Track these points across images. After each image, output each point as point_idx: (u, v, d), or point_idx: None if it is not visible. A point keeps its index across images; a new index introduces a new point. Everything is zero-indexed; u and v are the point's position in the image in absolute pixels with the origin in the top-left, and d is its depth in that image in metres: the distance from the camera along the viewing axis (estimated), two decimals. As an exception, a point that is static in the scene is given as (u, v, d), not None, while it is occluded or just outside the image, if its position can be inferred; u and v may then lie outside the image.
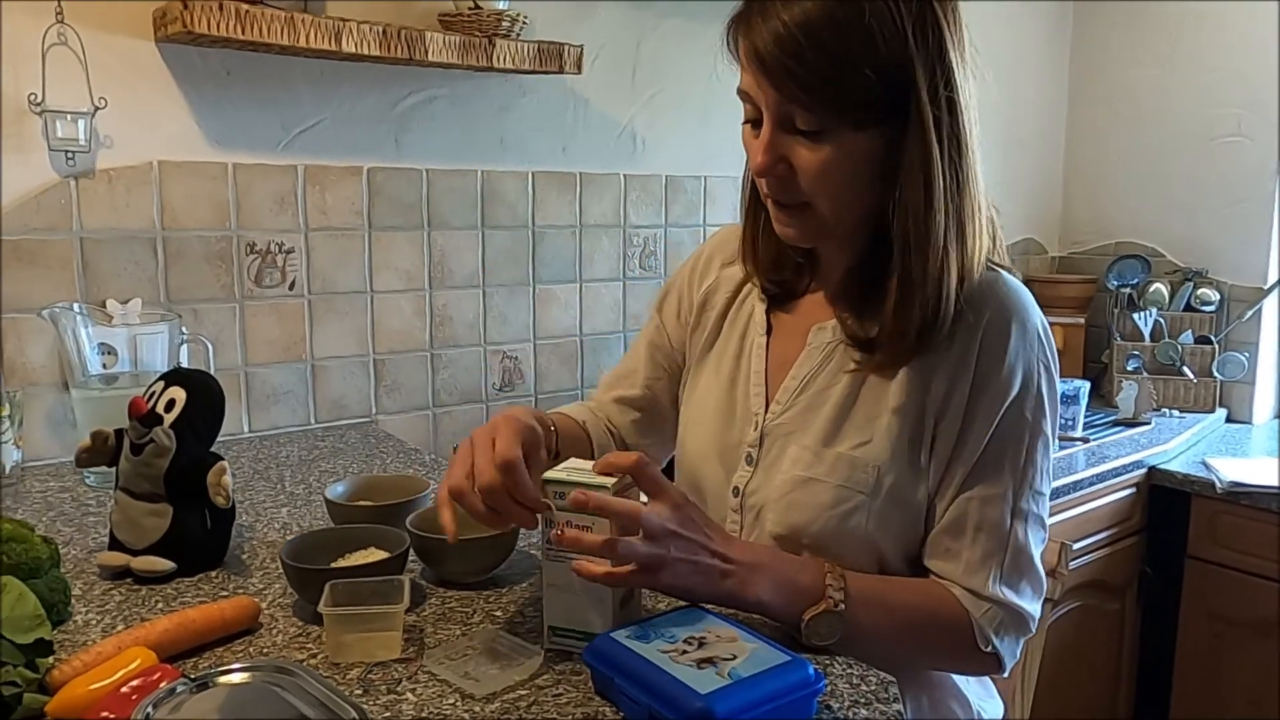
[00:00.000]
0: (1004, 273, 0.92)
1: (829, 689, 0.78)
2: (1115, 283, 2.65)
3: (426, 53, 1.52)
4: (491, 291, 1.84)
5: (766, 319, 1.02)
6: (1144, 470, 2.14)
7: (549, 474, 0.82)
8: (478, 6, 1.60)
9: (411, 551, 0.96)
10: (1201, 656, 2.15)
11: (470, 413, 1.84)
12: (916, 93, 0.80)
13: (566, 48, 1.67)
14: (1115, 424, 2.36)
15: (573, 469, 0.83)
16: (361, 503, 1.10)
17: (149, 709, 0.63)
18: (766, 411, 0.98)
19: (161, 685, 0.68)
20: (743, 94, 0.87)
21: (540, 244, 1.89)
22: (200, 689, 0.67)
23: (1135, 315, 2.58)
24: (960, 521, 0.89)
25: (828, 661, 0.82)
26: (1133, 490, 2.13)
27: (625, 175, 1.98)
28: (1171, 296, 2.58)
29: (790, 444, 0.94)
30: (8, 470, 1.27)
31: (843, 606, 0.82)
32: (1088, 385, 2.26)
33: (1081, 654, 2.10)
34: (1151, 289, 2.59)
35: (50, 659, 0.76)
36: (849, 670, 0.81)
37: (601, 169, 1.95)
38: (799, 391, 0.96)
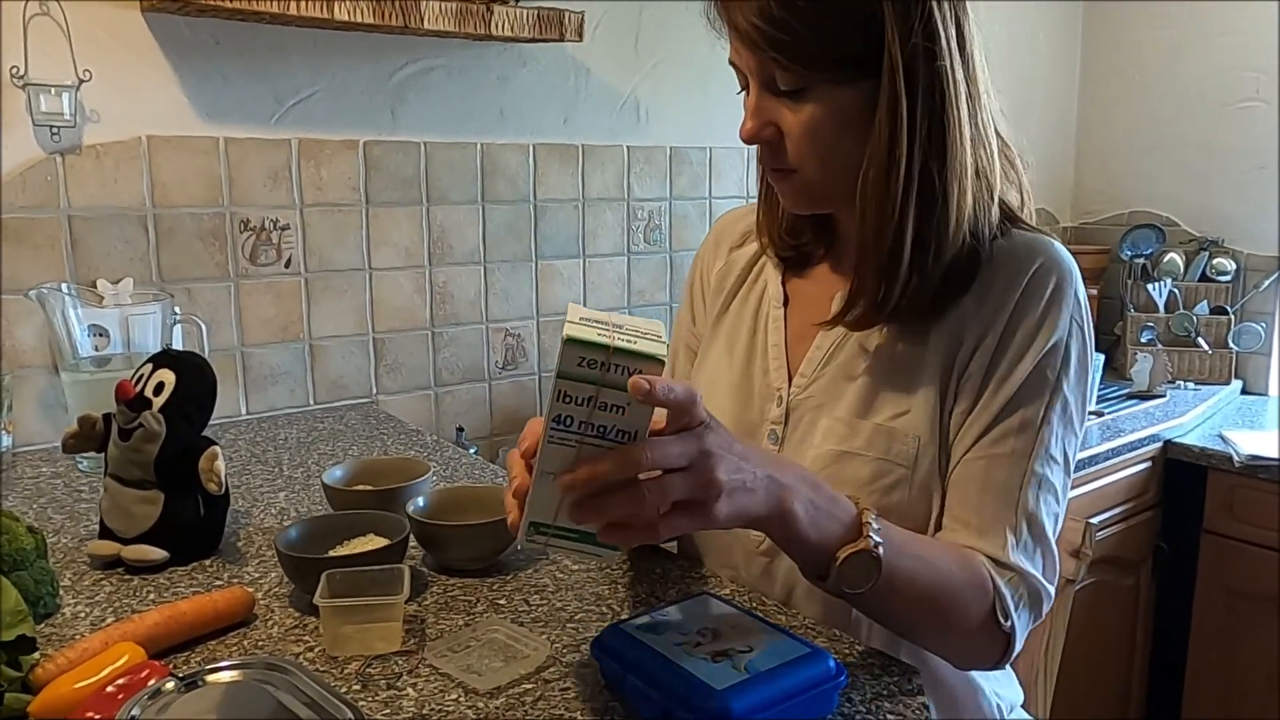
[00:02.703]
0: (1043, 234, 0.89)
1: (850, 681, 0.74)
2: (1129, 253, 2.60)
3: (422, 20, 1.46)
4: (493, 267, 1.80)
5: (783, 290, 0.98)
6: (1159, 444, 2.10)
7: (572, 331, 0.61)
8: (474, -28, 1.54)
9: (412, 538, 0.93)
10: (1217, 632, 2.12)
11: (472, 392, 1.80)
12: (888, 44, 0.77)
13: (567, 14, 1.62)
14: (1129, 397, 2.32)
15: (592, 321, 0.64)
16: (361, 487, 1.06)
17: (134, 710, 0.60)
18: (790, 385, 0.93)
19: (149, 684, 0.65)
20: (732, 63, 0.84)
21: (542, 218, 1.84)
22: (189, 688, 0.63)
23: (1149, 286, 2.53)
24: (969, 483, 0.84)
25: (847, 651, 0.79)
26: (1148, 464, 2.10)
27: (629, 147, 1.93)
28: (1186, 266, 2.53)
29: (821, 417, 0.90)
30: (-2, 456, 1.24)
31: (881, 550, 0.73)
32: (1102, 358, 2.22)
33: (1096, 629, 2.07)
34: (1166, 259, 2.54)
35: (34, 656, 0.73)
36: (869, 661, 0.78)
37: (604, 140, 1.89)
38: (825, 361, 0.91)
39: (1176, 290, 2.52)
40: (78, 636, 0.80)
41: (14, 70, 1.31)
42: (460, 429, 1.74)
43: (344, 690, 0.72)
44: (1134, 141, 2.72)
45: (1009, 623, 0.81)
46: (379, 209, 1.65)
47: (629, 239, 1.97)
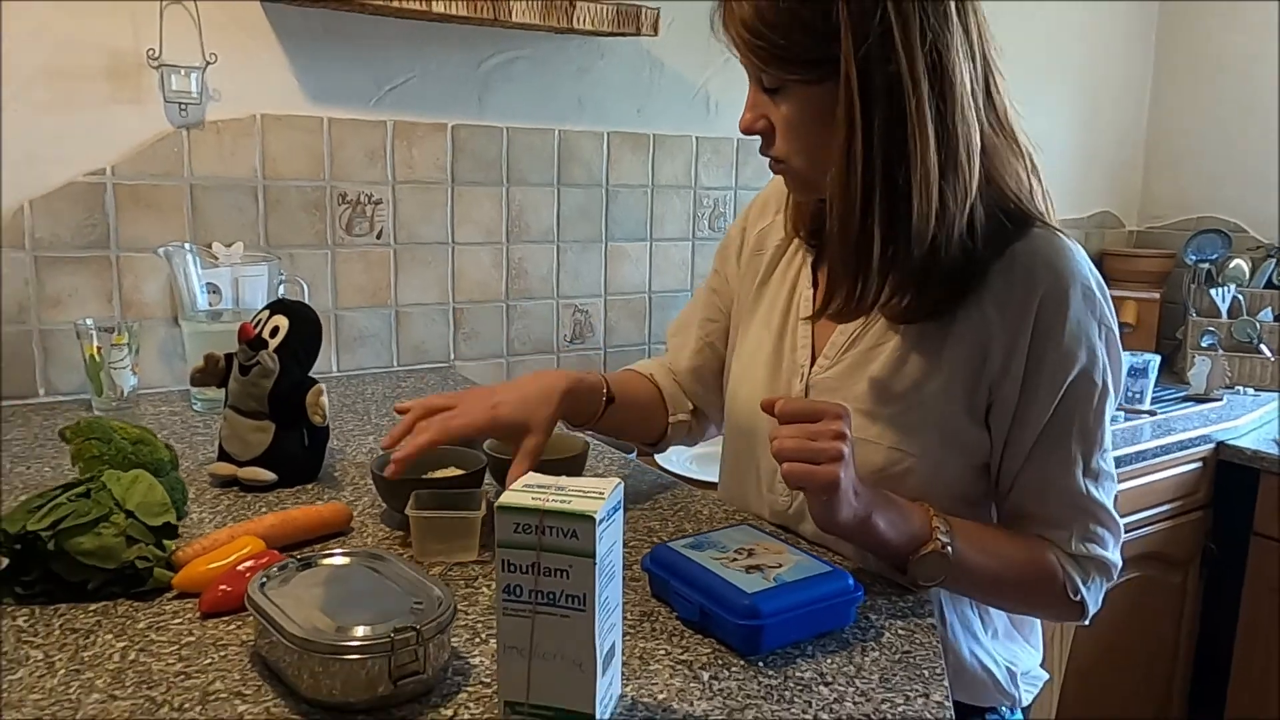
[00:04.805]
0: (1058, 234, 0.93)
1: (869, 603, 0.84)
2: (1194, 257, 2.61)
3: (510, 13, 1.59)
4: (565, 247, 1.92)
5: (814, 274, 1.05)
6: (1212, 445, 2.12)
7: (505, 499, 0.62)
8: (560, -31, 1.66)
9: (487, 473, 1.05)
10: (1263, 634, 2.13)
11: (542, 362, 1.92)
12: (844, 46, 0.82)
13: (644, 10, 1.72)
14: (1185, 399, 2.34)
15: (536, 487, 0.64)
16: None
17: (263, 579, 0.73)
18: (813, 365, 1.01)
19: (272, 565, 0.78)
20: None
21: (613, 202, 1.96)
22: (305, 567, 0.76)
23: (1213, 291, 2.53)
24: (1035, 489, 0.93)
25: (869, 582, 0.88)
26: (1199, 465, 2.12)
27: (698, 137, 2.03)
28: (1252, 273, 2.53)
29: (837, 400, 0.96)
30: (125, 394, 1.40)
31: (950, 549, 0.86)
32: (1158, 359, 2.24)
33: (1141, 624, 2.11)
34: (1231, 265, 2.54)
35: (175, 542, 0.86)
36: (888, 589, 0.87)
37: (675, 130, 2.00)
38: (846, 348, 0.98)
39: (1240, 296, 2.52)
40: (206, 533, 0.93)
41: (150, 52, 1.47)
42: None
43: (429, 586, 0.84)
44: (1204, 146, 2.72)
45: (1078, 596, 0.93)
46: (463, 188, 1.78)
47: (694, 225, 2.07)
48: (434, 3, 1.52)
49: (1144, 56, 2.82)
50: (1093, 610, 0.95)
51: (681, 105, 2.00)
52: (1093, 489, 0.93)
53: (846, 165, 0.85)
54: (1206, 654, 2.26)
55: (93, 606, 0.79)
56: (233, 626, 0.77)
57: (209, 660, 0.71)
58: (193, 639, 0.75)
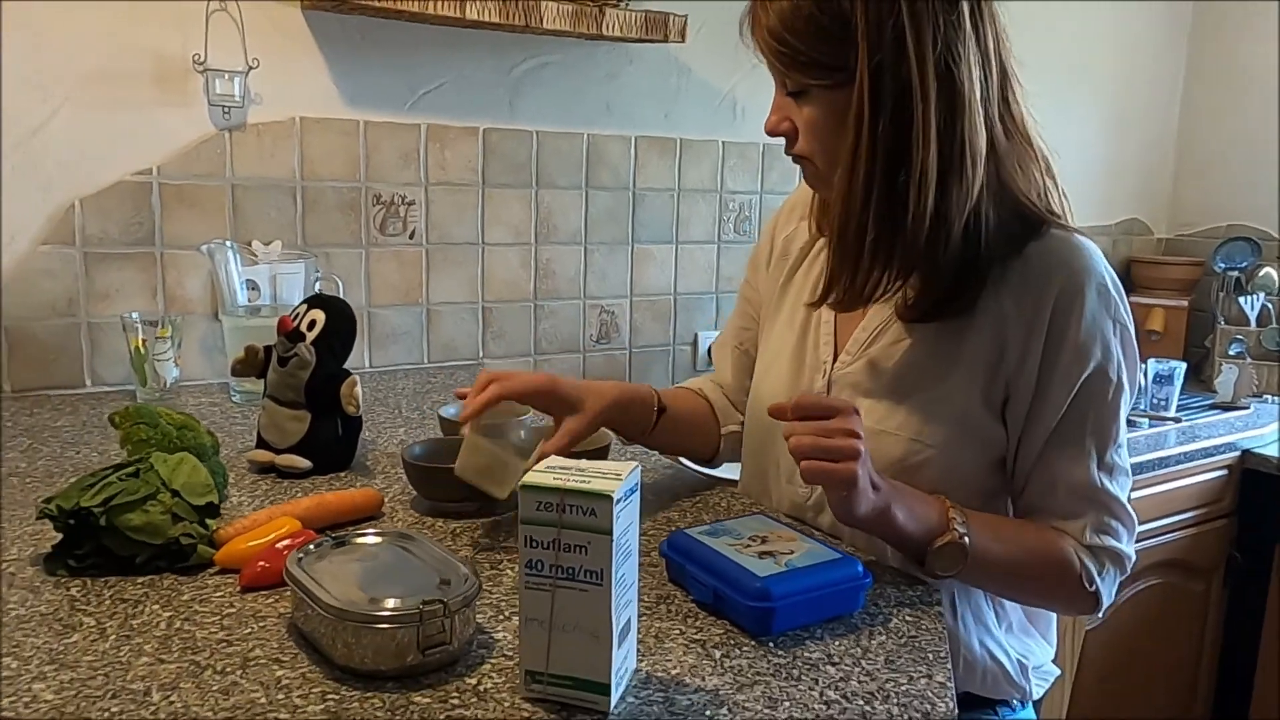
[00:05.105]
0: (1074, 234, 0.96)
1: (878, 591, 0.87)
2: (1222, 265, 2.60)
3: (541, 20, 1.63)
4: (593, 249, 1.96)
5: None
6: (1237, 453, 2.12)
7: (528, 479, 0.66)
8: (590, -23, 1.70)
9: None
10: (1288, 643, 2.13)
11: (568, 361, 1.96)
12: (858, 56, 0.86)
13: (672, 17, 1.76)
14: (1211, 407, 2.33)
15: (558, 468, 0.67)
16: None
17: (300, 556, 0.77)
18: (835, 361, 1.04)
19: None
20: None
21: (640, 205, 1.99)
22: (339, 546, 0.80)
23: (1241, 299, 2.52)
24: (1050, 483, 0.95)
25: (879, 572, 0.91)
26: (1224, 472, 2.12)
27: (724, 142, 2.07)
28: (1282, 281, 2.51)
29: (859, 395, 1.00)
30: (168, 385, 1.45)
31: (967, 539, 0.88)
32: (1183, 366, 2.24)
33: (1164, 631, 2.11)
34: (1261, 273, 2.53)
35: (216, 521, 0.91)
36: (898, 579, 0.90)
37: (701, 135, 2.04)
38: (868, 344, 1.01)
39: (1270, 305, 2.51)
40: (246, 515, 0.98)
41: (195, 57, 1.53)
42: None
43: (456, 567, 0.88)
44: (1235, 154, 2.71)
45: (1093, 587, 0.94)
46: (494, 190, 1.83)
47: (720, 228, 2.11)
48: (468, 10, 1.56)
49: (1175, 63, 2.81)
50: (1106, 602, 0.97)
51: (708, 110, 2.04)
52: (1107, 483, 0.95)
53: (851, 164, 0.89)
54: (1230, 663, 2.25)
55: (140, 579, 0.84)
56: (271, 600, 0.81)
57: (249, 630, 0.76)
58: (233, 611, 0.79)
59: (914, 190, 0.88)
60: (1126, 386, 0.95)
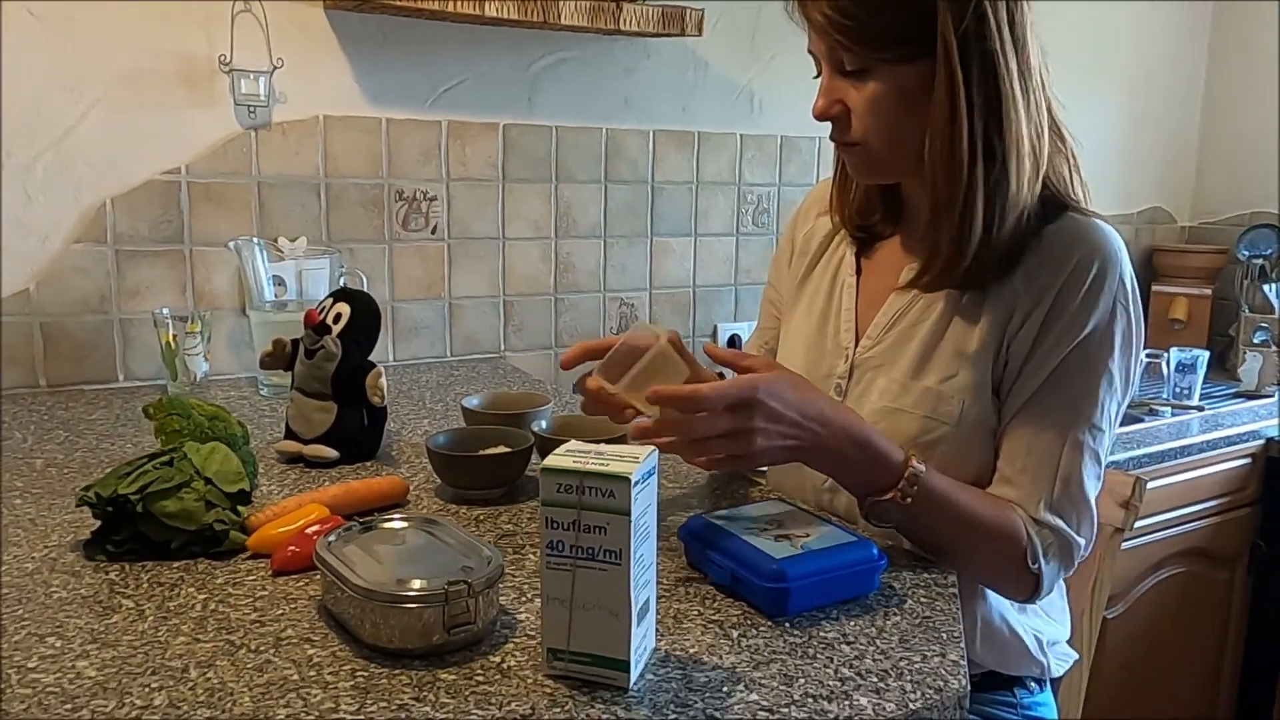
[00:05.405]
0: (1094, 218, 0.97)
1: (893, 573, 0.88)
2: (1246, 253, 2.58)
3: (559, 16, 1.65)
4: (612, 242, 1.98)
5: (856, 262, 1.10)
6: (1261, 441, 2.11)
7: (548, 461, 0.68)
8: (607, -27, 1.72)
9: (535, 452, 1.11)
10: (1313, 632, 2.11)
11: (589, 354, 1.98)
12: (942, 24, 0.87)
13: (688, 11, 1.78)
14: (1235, 395, 2.32)
15: (577, 452, 0.70)
16: (493, 411, 1.25)
17: (330, 540, 0.79)
18: (857, 345, 1.06)
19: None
20: (810, 52, 0.98)
21: (659, 199, 2.01)
22: (366, 530, 0.83)
23: (1266, 287, 2.51)
24: (1015, 447, 0.95)
25: (894, 555, 0.92)
26: (1248, 461, 2.10)
27: (742, 135, 2.08)
28: (1307, 268, 2.49)
29: (879, 376, 1.02)
30: (198, 379, 1.49)
31: (909, 500, 0.88)
32: (1206, 355, 2.23)
33: (1187, 619, 2.10)
34: (1285, 260, 2.51)
35: (248, 508, 0.94)
36: (913, 562, 0.91)
37: (719, 128, 2.05)
38: (889, 327, 1.03)
39: (1295, 292, 2.49)
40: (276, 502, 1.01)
41: (221, 58, 1.56)
42: (575, 385, 1.93)
43: (479, 551, 0.90)
44: (1258, 142, 2.69)
45: (1036, 566, 0.93)
46: (514, 185, 1.85)
47: (738, 221, 2.12)
48: (487, 7, 1.58)
49: (1197, 51, 2.79)
50: (1045, 592, 0.95)
51: (725, 103, 2.05)
52: (1071, 459, 0.93)
53: (951, 135, 0.89)
54: (1254, 651, 2.24)
55: (175, 564, 0.87)
56: (301, 583, 0.84)
57: (280, 611, 0.78)
58: (265, 593, 0.82)
59: (1013, 157, 0.90)
60: (1115, 374, 0.94)
